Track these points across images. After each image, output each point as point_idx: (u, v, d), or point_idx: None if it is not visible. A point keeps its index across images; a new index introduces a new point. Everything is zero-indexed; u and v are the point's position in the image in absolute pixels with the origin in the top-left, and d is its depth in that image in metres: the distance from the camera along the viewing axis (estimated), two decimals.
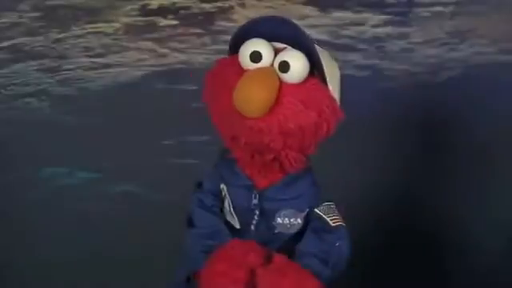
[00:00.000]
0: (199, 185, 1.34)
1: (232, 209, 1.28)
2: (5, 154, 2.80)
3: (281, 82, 1.11)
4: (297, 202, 1.26)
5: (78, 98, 3.45)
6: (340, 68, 1.26)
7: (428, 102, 3.07)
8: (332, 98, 1.21)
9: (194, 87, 3.38)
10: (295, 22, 1.22)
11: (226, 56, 1.27)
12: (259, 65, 1.14)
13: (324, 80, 1.20)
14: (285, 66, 1.13)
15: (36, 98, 3.42)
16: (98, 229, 2.28)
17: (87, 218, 2.34)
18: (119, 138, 2.89)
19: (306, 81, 1.16)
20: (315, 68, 1.18)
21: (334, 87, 1.22)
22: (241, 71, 1.13)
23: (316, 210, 1.27)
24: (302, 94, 1.15)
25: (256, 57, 1.15)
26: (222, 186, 1.29)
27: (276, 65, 1.15)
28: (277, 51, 1.17)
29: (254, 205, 1.25)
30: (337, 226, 1.27)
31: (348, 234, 1.28)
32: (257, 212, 1.26)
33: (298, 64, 1.15)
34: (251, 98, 1.08)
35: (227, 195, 1.28)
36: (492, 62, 3.66)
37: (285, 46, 1.18)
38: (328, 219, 1.26)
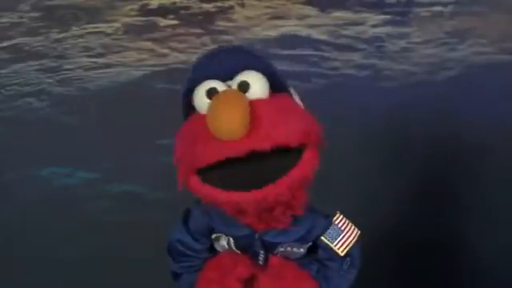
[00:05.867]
0: (186, 216, 1.30)
1: (234, 247, 1.26)
2: (5, 153, 2.81)
3: (249, 101, 1.06)
4: (300, 239, 1.22)
5: (78, 98, 3.46)
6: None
7: (427, 101, 3.07)
8: (303, 107, 1.15)
9: None
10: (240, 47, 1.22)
11: None
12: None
13: (289, 95, 1.15)
14: (245, 85, 1.09)
15: (36, 98, 3.43)
16: (98, 229, 2.29)
17: (87, 217, 2.34)
18: (119, 137, 2.89)
19: (272, 95, 1.11)
20: (275, 85, 1.12)
21: (298, 100, 1.17)
22: (204, 119, 1.07)
23: (322, 238, 1.23)
24: (274, 105, 1.09)
25: (212, 92, 1.10)
26: (218, 235, 1.24)
27: (235, 88, 1.10)
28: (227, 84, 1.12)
29: (257, 246, 1.24)
30: (345, 254, 1.23)
31: (359, 253, 1.25)
32: (261, 251, 1.24)
33: (255, 78, 1.10)
34: (227, 120, 1.03)
35: (224, 239, 1.24)
36: (491, 61, 3.68)
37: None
38: (335, 248, 1.23)
